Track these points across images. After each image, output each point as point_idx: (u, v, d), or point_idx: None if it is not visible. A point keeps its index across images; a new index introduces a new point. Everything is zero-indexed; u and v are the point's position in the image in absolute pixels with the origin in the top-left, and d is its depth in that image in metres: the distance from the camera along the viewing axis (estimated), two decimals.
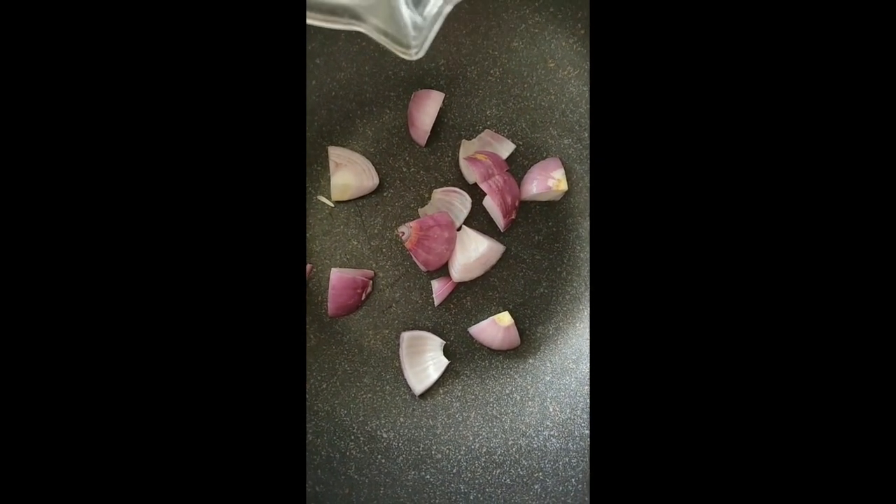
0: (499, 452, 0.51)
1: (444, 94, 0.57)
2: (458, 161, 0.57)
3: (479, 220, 0.57)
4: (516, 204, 0.56)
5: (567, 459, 0.50)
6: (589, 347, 0.55)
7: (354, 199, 0.57)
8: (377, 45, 0.51)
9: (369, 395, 0.54)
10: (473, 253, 0.54)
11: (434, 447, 0.52)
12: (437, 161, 0.57)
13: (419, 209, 0.56)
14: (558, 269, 0.56)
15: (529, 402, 0.54)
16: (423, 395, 0.54)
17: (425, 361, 0.54)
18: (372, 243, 0.56)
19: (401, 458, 0.51)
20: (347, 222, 0.57)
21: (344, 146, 0.57)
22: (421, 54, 0.34)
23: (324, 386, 0.54)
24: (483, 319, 0.55)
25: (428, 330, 0.55)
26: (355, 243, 0.56)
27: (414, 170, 0.57)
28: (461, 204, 0.56)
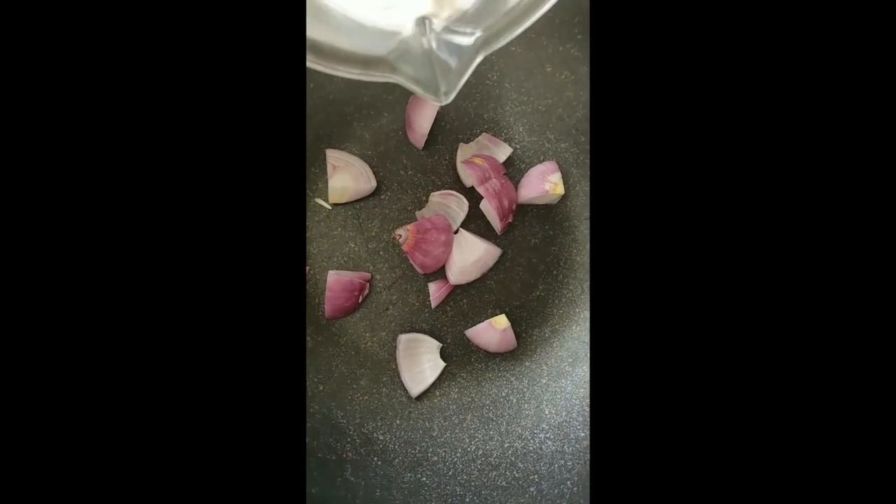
0: (495, 455, 0.52)
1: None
2: (455, 164, 0.57)
3: (476, 223, 0.57)
4: (513, 207, 0.56)
5: (563, 462, 0.50)
6: (586, 350, 0.55)
7: (352, 202, 0.57)
8: None
9: (366, 398, 0.54)
10: (470, 256, 0.54)
11: (430, 449, 0.52)
12: (434, 164, 0.57)
13: (416, 212, 0.57)
14: (555, 273, 0.57)
15: (525, 405, 0.54)
16: (420, 398, 0.54)
17: (422, 364, 0.54)
18: (369, 246, 0.56)
19: (397, 460, 0.51)
20: (345, 225, 0.57)
21: (341, 149, 0.57)
22: (451, 98, 0.34)
23: (320, 388, 0.54)
24: (480, 322, 0.55)
25: (425, 332, 0.55)
26: (353, 245, 0.56)
27: (411, 173, 0.57)
28: (458, 207, 0.56)
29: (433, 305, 0.55)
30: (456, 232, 0.55)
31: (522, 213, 0.57)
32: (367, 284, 0.55)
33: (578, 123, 0.56)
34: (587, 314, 0.56)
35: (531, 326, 0.56)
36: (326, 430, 0.52)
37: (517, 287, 0.56)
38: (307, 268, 0.56)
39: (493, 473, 0.51)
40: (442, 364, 0.54)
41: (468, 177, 0.56)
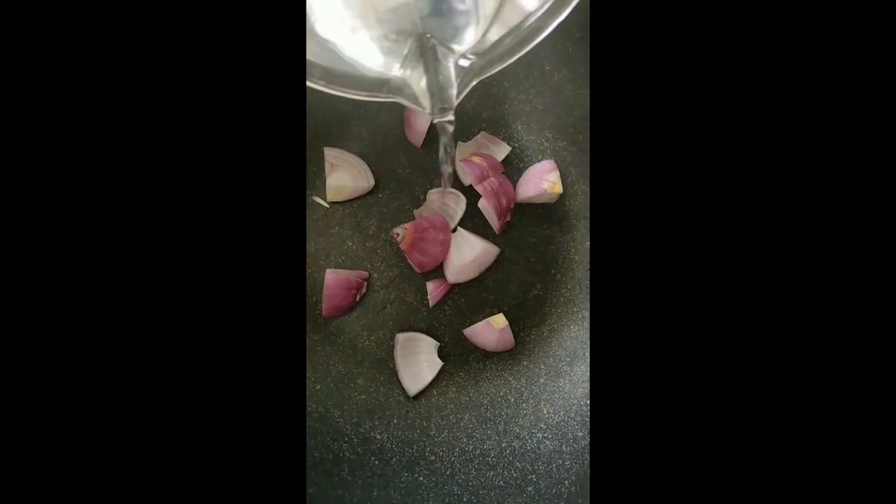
0: (492, 454, 0.51)
1: None
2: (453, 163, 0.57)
3: (474, 221, 0.57)
4: (511, 206, 0.56)
5: (561, 461, 0.50)
6: (584, 350, 0.55)
7: (349, 200, 0.57)
8: None
9: (363, 397, 0.54)
10: (468, 254, 0.54)
11: (428, 449, 0.52)
12: (432, 162, 0.57)
13: (414, 211, 0.56)
14: (552, 272, 0.57)
15: (523, 405, 0.54)
16: (417, 397, 0.54)
17: (420, 363, 0.54)
18: (367, 244, 0.56)
19: (394, 459, 0.51)
20: (342, 223, 0.57)
21: (340, 147, 0.57)
22: (448, 116, 0.35)
23: (318, 387, 0.54)
24: (478, 321, 0.55)
25: (422, 331, 0.55)
26: (350, 244, 0.56)
27: (409, 171, 0.57)
28: (456, 205, 0.56)
29: (431, 304, 0.55)
30: (454, 230, 0.55)
31: (520, 212, 0.57)
32: (365, 283, 0.55)
33: (576, 122, 0.56)
34: (585, 314, 0.56)
35: (529, 326, 0.56)
36: (323, 430, 0.52)
37: (515, 286, 0.56)
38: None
39: (491, 473, 0.50)
40: (440, 363, 0.54)
41: (466, 175, 0.56)
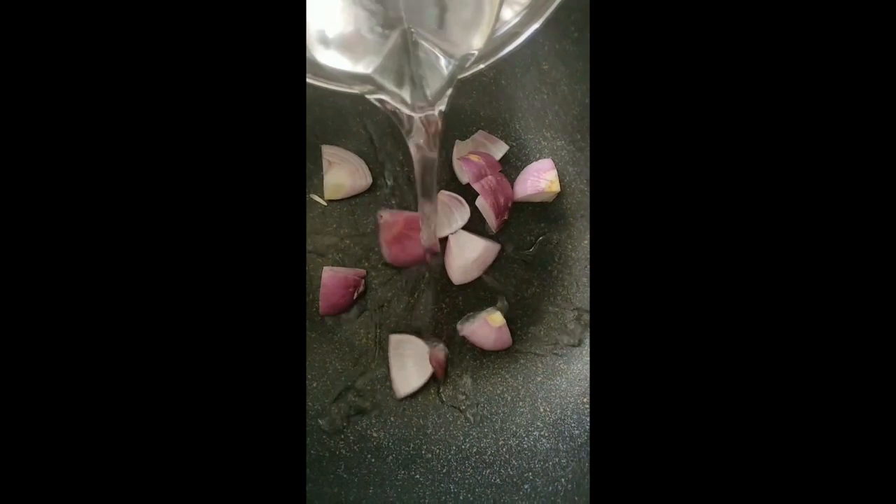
0: (489, 452, 0.51)
1: None
2: (451, 161, 0.57)
3: (472, 220, 0.57)
4: (509, 204, 0.56)
5: (557, 459, 0.50)
6: (581, 349, 0.55)
7: (347, 198, 0.57)
8: None
9: (359, 395, 0.54)
10: (471, 254, 0.54)
11: (424, 447, 0.52)
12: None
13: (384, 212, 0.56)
14: (550, 269, 0.57)
15: (520, 403, 0.54)
16: (414, 395, 0.54)
17: (407, 367, 0.54)
18: (365, 242, 0.56)
19: (391, 457, 0.51)
20: (340, 221, 0.57)
21: (338, 145, 0.57)
22: (430, 112, 0.35)
23: (314, 385, 0.54)
24: (475, 320, 0.55)
25: (419, 330, 0.55)
26: (348, 242, 0.56)
27: (408, 169, 0.57)
28: (458, 214, 0.56)
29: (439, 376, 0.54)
30: (454, 232, 0.55)
31: (518, 211, 0.57)
32: (363, 281, 0.55)
33: (574, 121, 0.56)
34: (583, 312, 0.56)
35: (526, 324, 0.56)
36: (320, 427, 0.52)
37: (512, 284, 0.56)
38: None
39: (487, 471, 0.50)
40: (429, 370, 0.54)
41: (464, 174, 0.56)
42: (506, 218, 0.56)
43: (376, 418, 0.53)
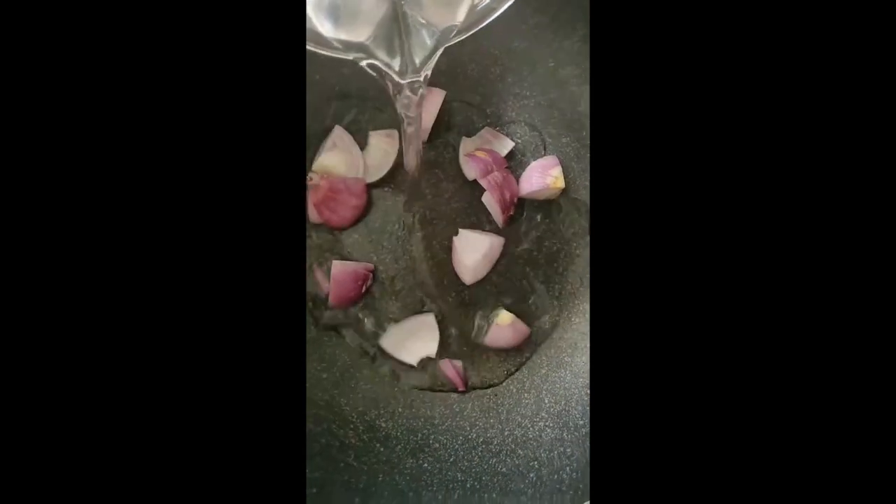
0: (495, 442, 0.52)
1: (445, 92, 0.58)
2: (458, 157, 0.58)
3: (477, 216, 0.57)
4: (514, 200, 0.57)
5: (562, 449, 0.51)
6: (585, 341, 0.56)
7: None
8: None
9: (368, 386, 0.55)
10: (478, 252, 0.55)
11: (432, 436, 0.53)
12: (437, 156, 0.58)
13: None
14: (555, 265, 0.58)
15: (526, 394, 0.55)
16: (421, 389, 0.55)
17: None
18: (373, 236, 0.57)
19: (399, 446, 0.52)
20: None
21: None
22: (419, 79, 0.38)
23: (324, 376, 0.54)
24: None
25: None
26: (356, 237, 0.57)
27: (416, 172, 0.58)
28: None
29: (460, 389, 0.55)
30: (456, 234, 0.56)
31: (523, 207, 0.58)
32: (371, 275, 0.56)
33: (580, 118, 0.57)
34: (586, 306, 0.57)
35: (531, 318, 0.57)
36: (329, 417, 0.53)
37: (518, 279, 0.57)
38: (313, 261, 0.56)
39: (494, 460, 0.51)
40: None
41: (471, 170, 0.57)
42: (511, 213, 0.57)
43: (384, 409, 0.54)
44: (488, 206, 0.57)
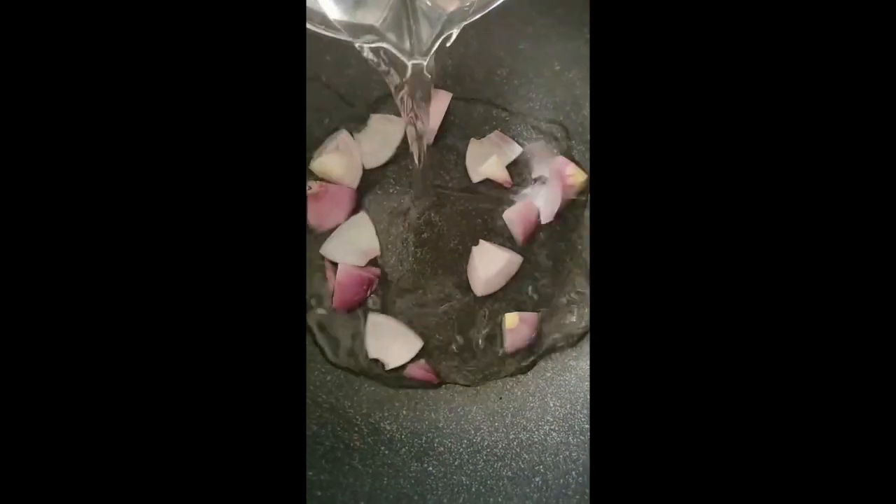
0: (500, 446, 0.52)
1: (451, 95, 0.58)
2: (464, 157, 0.58)
3: (496, 231, 0.58)
4: (540, 223, 0.57)
5: (567, 453, 0.51)
6: (589, 345, 0.55)
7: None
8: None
9: (372, 388, 0.55)
10: (493, 267, 0.55)
11: (437, 440, 0.53)
12: (443, 158, 0.58)
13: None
14: (560, 268, 0.57)
15: (530, 398, 0.54)
16: (425, 389, 0.54)
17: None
18: (379, 238, 0.57)
19: (403, 449, 0.52)
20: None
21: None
22: (426, 60, 0.39)
23: (328, 378, 0.54)
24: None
25: (431, 327, 0.56)
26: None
27: (421, 166, 0.58)
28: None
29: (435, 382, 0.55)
30: (476, 244, 0.56)
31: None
32: (377, 280, 0.56)
33: (585, 122, 0.57)
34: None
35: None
36: (333, 419, 0.53)
37: (524, 282, 0.57)
38: (325, 260, 0.56)
39: (499, 464, 0.51)
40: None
41: (477, 174, 0.57)
42: (534, 237, 0.57)
43: (388, 411, 0.54)
44: (510, 225, 0.57)
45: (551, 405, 0.54)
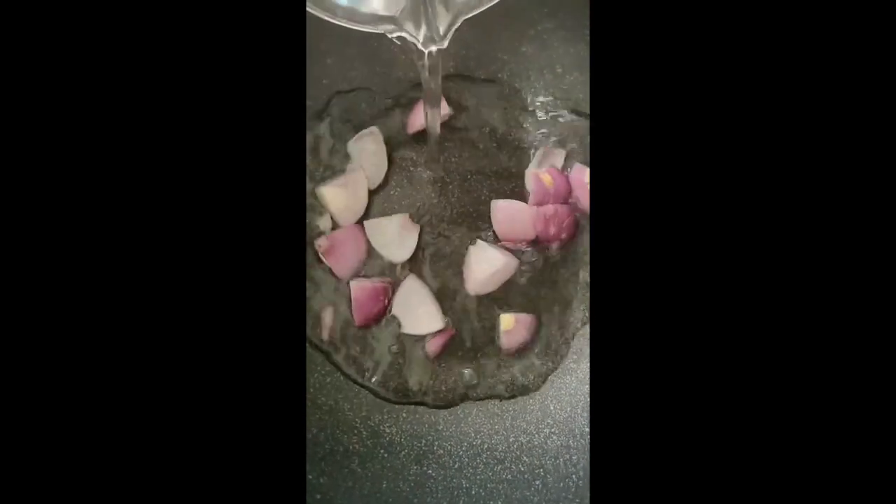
0: (500, 449, 0.52)
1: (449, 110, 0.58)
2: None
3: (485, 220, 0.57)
4: (560, 236, 0.56)
5: (567, 456, 0.51)
6: (589, 347, 0.55)
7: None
8: (389, 46, 0.52)
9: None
10: (489, 268, 0.55)
11: (436, 443, 0.52)
12: (446, 163, 0.58)
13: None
14: (561, 270, 0.57)
15: (531, 401, 0.54)
16: (425, 392, 0.54)
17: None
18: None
19: (403, 452, 0.52)
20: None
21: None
22: (444, 45, 0.40)
23: (328, 381, 0.54)
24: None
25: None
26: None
27: (422, 170, 0.58)
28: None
29: (431, 357, 0.55)
30: (473, 242, 0.56)
31: None
32: (391, 289, 0.55)
33: (587, 124, 0.57)
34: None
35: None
36: (333, 422, 0.52)
37: (522, 284, 0.57)
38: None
39: (499, 467, 0.51)
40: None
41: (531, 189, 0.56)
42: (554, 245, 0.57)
43: (388, 414, 0.53)
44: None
45: (551, 408, 0.54)
